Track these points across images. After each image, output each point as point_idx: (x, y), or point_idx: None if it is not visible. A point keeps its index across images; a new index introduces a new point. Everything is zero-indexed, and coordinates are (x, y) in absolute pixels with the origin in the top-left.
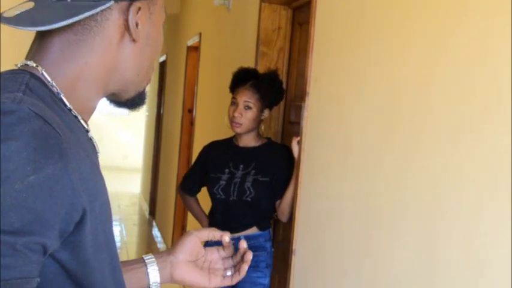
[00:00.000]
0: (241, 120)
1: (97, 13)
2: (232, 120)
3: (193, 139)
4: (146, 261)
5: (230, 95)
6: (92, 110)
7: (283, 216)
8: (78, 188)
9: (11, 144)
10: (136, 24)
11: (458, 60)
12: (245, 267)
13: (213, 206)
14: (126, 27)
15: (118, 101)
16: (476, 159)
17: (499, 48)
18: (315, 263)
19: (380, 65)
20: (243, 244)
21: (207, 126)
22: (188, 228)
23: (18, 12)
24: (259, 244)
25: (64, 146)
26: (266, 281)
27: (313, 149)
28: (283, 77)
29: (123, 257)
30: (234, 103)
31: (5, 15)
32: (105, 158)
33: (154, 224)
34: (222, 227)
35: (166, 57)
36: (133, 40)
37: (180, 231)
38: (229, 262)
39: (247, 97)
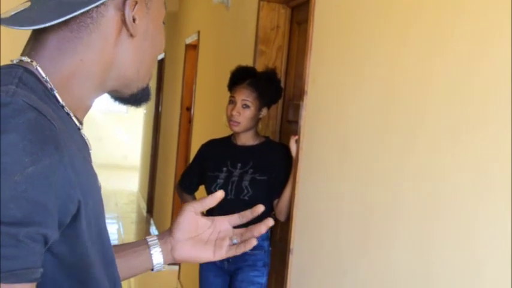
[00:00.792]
0: (239, 119)
1: (92, 10)
2: (230, 118)
3: (191, 137)
4: (149, 243)
5: (228, 94)
6: (86, 107)
7: (281, 215)
8: (73, 180)
9: (7, 136)
10: (134, 19)
11: (456, 61)
12: (253, 242)
13: None
14: (124, 23)
15: (122, 97)
16: (473, 159)
17: (497, 48)
18: (313, 262)
19: (378, 65)
20: (260, 209)
21: (205, 125)
22: None
23: (13, 12)
24: (257, 243)
25: (59, 137)
26: (263, 280)
27: (311, 148)
28: (281, 75)
29: None
30: (232, 102)
31: (2, 16)
32: (105, 156)
33: (152, 222)
34: None
35: (165, 55)
36: (131, 35)
37: None
38: (239, 231)
39: (245, 96)
